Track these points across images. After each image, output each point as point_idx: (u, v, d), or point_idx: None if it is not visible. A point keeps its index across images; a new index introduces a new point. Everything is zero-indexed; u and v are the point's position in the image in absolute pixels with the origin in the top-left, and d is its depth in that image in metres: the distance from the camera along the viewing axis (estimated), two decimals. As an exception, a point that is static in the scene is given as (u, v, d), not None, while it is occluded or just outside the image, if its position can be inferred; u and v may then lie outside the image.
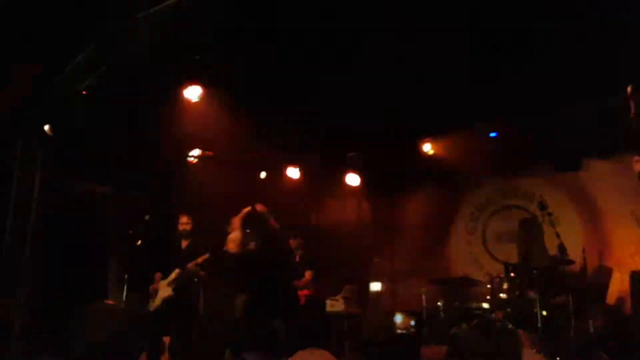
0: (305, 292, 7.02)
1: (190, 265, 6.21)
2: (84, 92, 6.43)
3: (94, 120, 6.69)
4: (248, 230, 5.30)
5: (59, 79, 6.27)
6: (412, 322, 2.13)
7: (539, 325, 5.72)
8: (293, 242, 7.38)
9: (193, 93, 6.79)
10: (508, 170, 7.98)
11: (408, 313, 2.45)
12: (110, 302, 1.94)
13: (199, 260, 6.21)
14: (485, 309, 6.44)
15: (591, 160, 7.42)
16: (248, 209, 5.32)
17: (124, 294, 5.72)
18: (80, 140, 6.92)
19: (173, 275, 6.27)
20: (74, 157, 7.08)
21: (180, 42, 5.77)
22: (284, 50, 5.98)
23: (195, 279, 6.33)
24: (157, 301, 6.16)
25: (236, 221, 5.38)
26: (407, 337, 2.18)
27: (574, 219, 7.41)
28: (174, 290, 6.18)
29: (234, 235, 5.32)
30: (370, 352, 1.68)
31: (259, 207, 5.38)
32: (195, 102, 6.78)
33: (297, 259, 7.33)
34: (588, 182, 7.46)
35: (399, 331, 2.38)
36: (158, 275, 6.35)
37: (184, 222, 6.49)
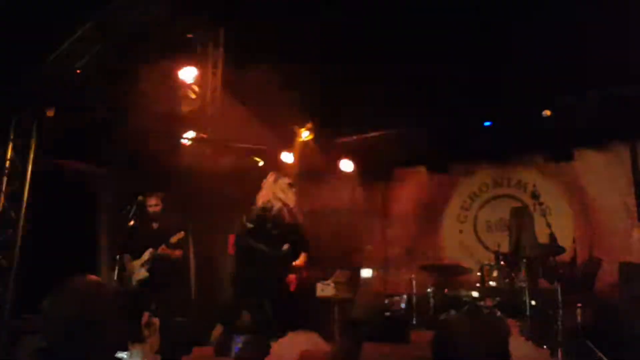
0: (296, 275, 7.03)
1: (161, 248, 6.17)
2: (78, 71, 6.42)
3: (87, 99, 6.69)
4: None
5: (55, 57, 6.25)
6: (403, 305, 2.16)
7: (528, 313, 5.75)
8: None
9: (188, 74, 6.79)
10: (501, 160, 8.00)
11: (398, 295, 2.48)
12: (92, 277, 1.89)
13: (174, 239, 6.20)
14: (474, 297, 6.47)
15: (584, 150, 7.45)
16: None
17: (116, 273, 5.71)
18: (75, 119, 6.90)
19: (146, 256, 6.25)
20: (68, 136, 7.06)
21: (176, 21, 5.77)
22: (281, 32, 5.98)
23: (171, 259, 6.30)
24: (132, 283, 6.16)
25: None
26: (397, 319, 2.21)
27: (565, 209, 7.45)
28: (148, 271, 6.18)
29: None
30: (359, 332, 1.70)
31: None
32: (190, 84, 6.79)
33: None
34: (581, 173, 7.49)
35: (388, 313, 2.41)
36: (127, 257, 6.28)
37: (153, 204, 6.44)
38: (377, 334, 1.95)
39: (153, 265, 6.19)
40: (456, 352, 1.59)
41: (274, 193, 5.93)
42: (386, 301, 2.38)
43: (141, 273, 6.18)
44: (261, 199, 5.94)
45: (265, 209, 5.78)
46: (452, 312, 5.53)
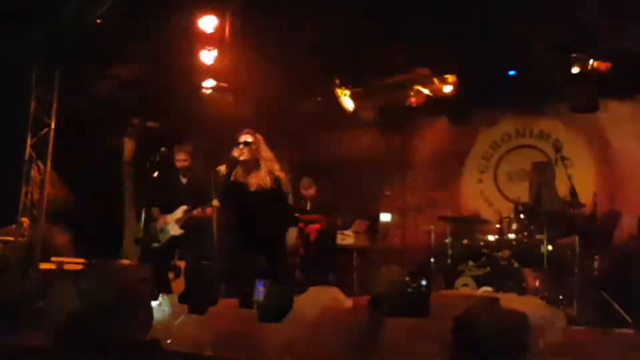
0: (317, 226, 7.18)
1: (196, 212, 6.08)
2: (98, 21, 6.40)
3: (107, 49, 6.68)
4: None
5: (74, 5, 6.22)
6: (424, 282, 2.23)
7: (545, 265, 5.84)
8: (304, 182, 7.48)
9: (208, 24, 6.72)
10: (524, 110, 7.90)
11: (417, 274, 2.56)
12: (125, 261, 1.98)
13: (208, 211, 5.87)
14: (492, 247, 6.55)
15: (609, 101, 7.31)
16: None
17: (142, 224, 5.85)
18: (95, 70, 6.93)
19: (179, 214, 6.24)
20: (89, 85, 7.11)
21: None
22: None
23: (205, 219, 6.24)
24: (166, 237, 6.22)
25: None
26: (418, 295, 2.28)
27: (587, 161, 7.39)
28: (182, 228, 6.21)
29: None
30: (380, 310, 1.77)
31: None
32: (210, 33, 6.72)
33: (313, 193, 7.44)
34: (605, 124, 7.39)
35: (409, 289, 2.49)
36: (156, 210, 6.28)
37: (182, 159, 6.33)
38: (398, 310, 2.03)
39: (186, 223, 6.18)
40: (476, 346, 1.67)
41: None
42: (407, 278, 2.46)
43: (175, 229, 6.20)
44: None
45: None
46: (470, 263, 5.57)
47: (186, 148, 6.37)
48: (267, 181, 5.10)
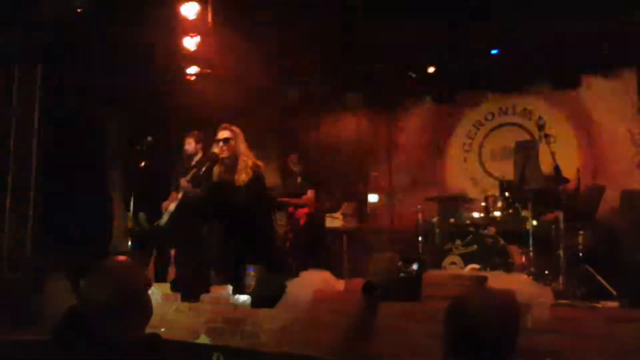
0: (306, 210, 7.21)
1: (182, 181, 6.14)
2: (79, 10, 6.33)
3: (90, 37, 6.62)
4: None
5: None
6: (415, 266, 2.29)
7: (531, 241, 5.94)
8: (292, 157, 7.51)
9: (190, 10, 6.68)
10: (507, 88, 7.96)
11: (410, 259, 2.62)
12: (123, 258, 1.99)
13: (187, 177, 6.13)
14: (478, 226, 6.65)
15: (591, 77, 7.39)
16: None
17: (130, 214, 5.87)
18: (78, 58, 6.85)
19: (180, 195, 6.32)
20: (74, 74, 7.03)
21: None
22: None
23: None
24: (165, 216, 6.28)
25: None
26: (410, 279, 2.34)
27: (570, 137, 7.48)
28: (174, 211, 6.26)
29: None
30: (375, 295, 1.81)
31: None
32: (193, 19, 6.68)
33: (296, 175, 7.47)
34: (587, 100, 7.47)
35: (402, 274, 2.55)
36: (173, 194, 6.34)
37: (189, 143, 6.29)
38: (392, 295, 2.08)
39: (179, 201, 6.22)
40: (469, 331, 1.72)
41: None
42: (399, 263, 2.51)
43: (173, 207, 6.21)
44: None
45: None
46: (458, 242, 5.63)
47: (194, 134, 6.36)
48: (248, 174, 5.21)
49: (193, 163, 6.31)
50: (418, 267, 2.36)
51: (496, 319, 1.70)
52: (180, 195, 6.04)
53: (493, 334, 1.68)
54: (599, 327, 3.56)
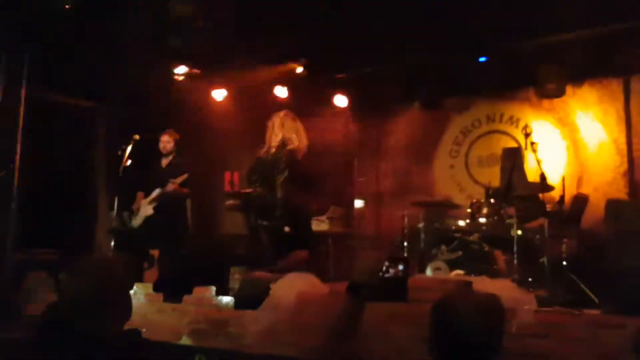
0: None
1: (169, 186, 6.20)
2: (67, 6, 6.27)
3: (78, 34, 6.56)
4: None
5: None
6: (401, 267, 2.27)
7: (515, 248, 5.96)
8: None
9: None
10: (495, 96, 8.01)
11: (396, 259, 2.59)
12: (106, 255, 1.98)
13: (178, 180, 6.22)
14: (464, 232, 6.66)
15: (577, 86, 7.45)
16: None
17: (114, 212, 5.82)
18: (65, 54, 6.80)
19: (154, 195, 6.32)
20: (59, 71, 6.97)
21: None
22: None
23: (179, 196, 6.36)
24: (139, 220, 6.28)
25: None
26: (397, 280, 2.32)
27: (556, 146, 7.53)
28: (154, 209, 6.27)
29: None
30: (361, 296, 1.79)
31: None
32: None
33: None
34: (573, 109, 7.53)
35: (388, 275, 2.52)
36: (140, 194, 6.40)
37: (165, 141, 6.47)
38: (378, 296, 2.07)
39: (159, 203, 6.25)
40: (454, 332, 1.70)
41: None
42: (386, 263, 2.49)
43: (148, 210, 6.25)
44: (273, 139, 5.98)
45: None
46: (443, 247, 5.66)
47: (170, 132, 6.45)
48: None
49: (167, 162, 6.34)
50: (404, 268, 2.35)
51: (480, 318, 1.69)
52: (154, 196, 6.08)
53: (477, 333, 1.67)
54: (581, 333, 3.58)
